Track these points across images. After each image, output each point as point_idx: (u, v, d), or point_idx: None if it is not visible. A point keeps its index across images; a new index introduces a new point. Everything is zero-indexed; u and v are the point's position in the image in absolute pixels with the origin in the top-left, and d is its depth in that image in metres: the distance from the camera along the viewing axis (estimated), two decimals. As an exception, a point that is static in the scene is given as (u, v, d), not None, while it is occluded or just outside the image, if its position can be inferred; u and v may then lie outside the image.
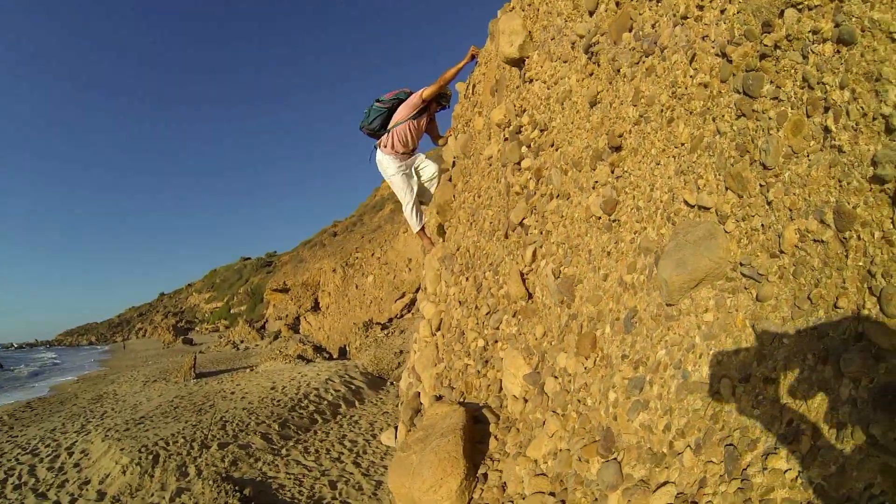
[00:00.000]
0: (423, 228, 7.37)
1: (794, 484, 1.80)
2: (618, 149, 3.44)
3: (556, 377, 3.62)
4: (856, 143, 1.85)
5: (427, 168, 7.30)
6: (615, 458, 2.78)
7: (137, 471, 9.93)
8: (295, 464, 10.43)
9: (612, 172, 3.48)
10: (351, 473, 9.92)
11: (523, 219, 4.60)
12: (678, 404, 2.47)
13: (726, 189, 2.47)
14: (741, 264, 2.31)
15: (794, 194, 2.08)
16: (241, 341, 37.09)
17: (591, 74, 3.87)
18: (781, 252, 2.11)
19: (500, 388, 4.41)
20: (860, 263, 1.79)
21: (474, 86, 6.69)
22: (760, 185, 2.26)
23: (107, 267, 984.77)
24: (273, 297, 42.09)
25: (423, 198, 7.49)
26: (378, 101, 6.97)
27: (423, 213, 7.38)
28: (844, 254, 1.85)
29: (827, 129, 1.96)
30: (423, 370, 5.86)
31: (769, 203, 2.21)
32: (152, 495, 9.27)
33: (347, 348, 23.43)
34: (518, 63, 5.08)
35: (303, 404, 13.33)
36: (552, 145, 4.37)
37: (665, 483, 2.38)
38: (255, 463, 10.50)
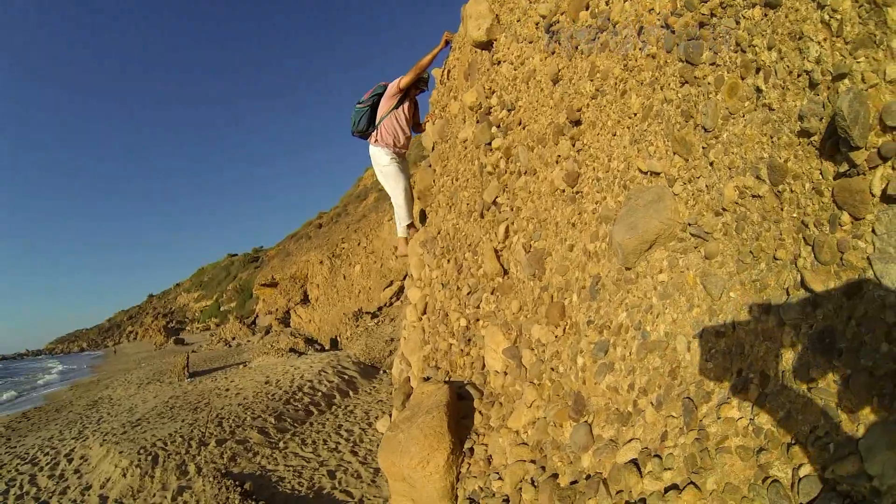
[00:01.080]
0: (411, 224, 7.41)
1: (747, 431, 1.89)
2: (577, 123, 3.55)
3: (531, 349, 3.71)
4: (784, 101, 1.94)
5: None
6: (586, 421, 2.87)
7: (137, 472, 9.93)
8: (293, 456, 10.45)
9: (574, 146, 3.58)
10: (349, 462, 9.95)
11: (496, 197, 4.68)
12: (640, 364, 2.57)
13: (674, 154, 2.57)
14: (689, 224, 2.41)
15: (733, 153, 2.18)
16: (233, 338, 36.87)
17: (552, 53, 3.94)
18: (724, 210, 2.22)
19: (483, 365, 4.48)
20: (794, 215, 1.88)
21: (449, 71, 6.72)
22: (703, 148, 2.37)
23: (93, 272, 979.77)
24: (262, 292, 41.77)
25: None
26: (359, 102, 7.12)
27: (412, 210, 7.44)
28: (780, 207, 1.94)
29: (759, 90, 2.06)
30: (411, 354, 5.93)
31: (711, 164, 2.31)
32: (154, 496, 9.29)
33: (339, 339, 23.42)
34: (487, 46, 5.15)
35: (297, 397, 13.40)
36: (519, 124, 4.45)
37: (630, 440, 2.48)
38: (254, 457, 10.50)
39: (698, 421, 2.10)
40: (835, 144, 1.72)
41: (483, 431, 3.96)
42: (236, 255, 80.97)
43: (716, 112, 2.29)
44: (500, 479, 3.41)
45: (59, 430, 14.52)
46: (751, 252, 2.06)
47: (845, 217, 1.68)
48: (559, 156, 3.73)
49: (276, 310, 36.36)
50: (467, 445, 3.96)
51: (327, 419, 12.39)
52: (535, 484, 3.05)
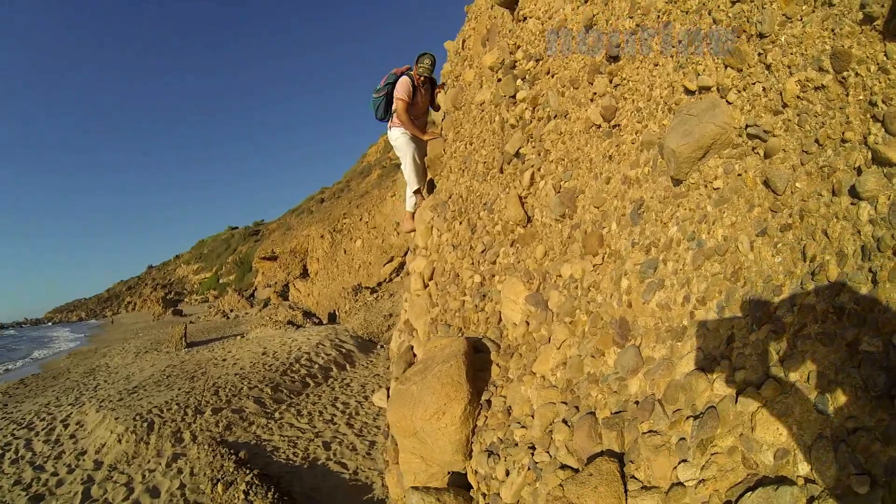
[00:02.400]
0: (418, 190, 7.64)
1: (827, 315, 1.85)
2: (615, 59, 3.51)
3: (559, 290, 3.66)
4: None
5: None
6: (633, 344, 2.81)
7: (133, 438, 9.97)
8: (288, 426, 10.53)
9: (611, 82, 3.55)
10: (344, 434, 10.00)
11: (519, 148, 4.66)
12: (695, 273, 2.54)
13: (726, 67, 2.57)
14: (747, 126, 2.40)
15: (792, 53, 2.20)
16: (231, 310, 37.21)
17: (586, 2, 3.93)
18: (785, 106, 2.22)
19: (500, 320, 4.41)
20: (860, 97, 1.91)
21: (464, 41, 6.77)
22: (759, 54, 2.37)
23: (93, 242, 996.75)
24: (261, 265, 42.13)
25: None
26: (375, 91, 7.54)
27: (424, 177, 7.68)
28: (845, 93, 1.97)
29: None
30: (417, 318, 5.85)
31: (768, 67, 2.32)
32: (149, 462, 9.32)
33: (337, 313, 23.56)
34: (510, 5, 5.14)
35: (294, 368, 13.43)
36: (548, 73, 4.44)
37: (689, 352, 2.43)
38: (249, 427, 10.57)
39: (770, 315, 2.07)
40: (900, 22, 1.77)
41: (501, 383, 3.86)
42: (237, 228, 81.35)
43: (772, 19, 2.29)
44: (522, 427, 3.33)
45: (55, 397, 14.57)
46: (816, 141, 2.06)
47: (915, 88, 1.73)
48: (595, 93, 3.70)
49: (275, 283, 36.57)
50: (484, 397, 3.87)
51: (323, 391, 12.48)
52: (569, 424, 2.96)
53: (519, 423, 3.38)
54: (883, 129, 1.80)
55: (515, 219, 4.43)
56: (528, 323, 3.92)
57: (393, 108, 7.40)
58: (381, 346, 16.25)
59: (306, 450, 9.29)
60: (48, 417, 12.44)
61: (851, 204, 1.87)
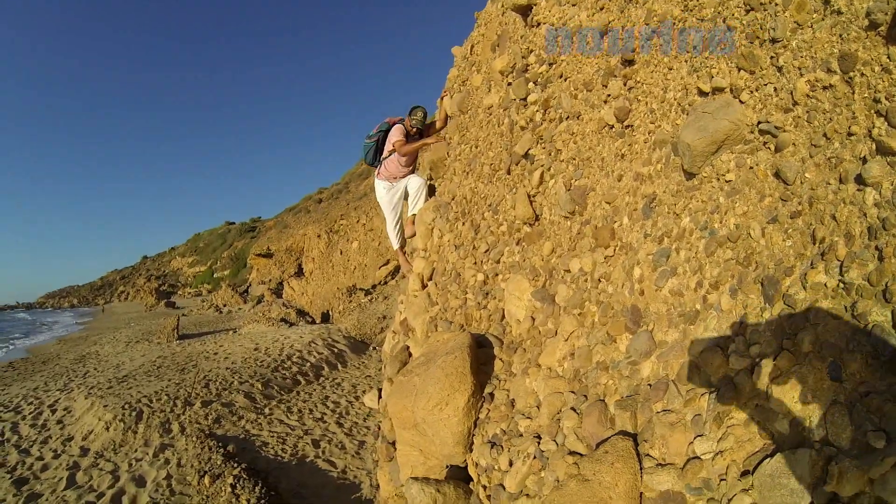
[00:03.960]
0: (402, 247, 8.20)
1: (836, 291, 2.01)
2: (630, 62, 3.63)
3: (567, 284, 3.76)
4: (851, 4, 2.18)
5: (412, 181, 7.92)
6: (646, 329, 2.93)
7: (121, 427, 9.94)
8: (278, 423, 10.52)
9: (625, 85, 3.68)
10: (334, 433, 10.00)
11: (529, 149, 4.73)
12: (708, 259, 2.69)
13: (739, 70, 2.73)
14: (758, 123, 2.57)
15: (802, 56, 2.38)
16: (224, 305, 37.17)
17: (601, 9, 4.01)
18: (795, 104, 2.40)
19: (503, 317, 4.47)
20: (865, 95, 2.10)
21: (473, 46, 6.83)
22: (771, 58, 2.55)
23: (88, 230, 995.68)
24: (257, 261, 42.03)
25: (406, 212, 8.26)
26: (367, 137, 7.94)
27: (403, 235, 8.20)
28: (851, 91, 2.16)
29: (826, 1, 2.28)
30: (415, 317, 5.88)
31: (780, 69, 2.50)
32: (136, 451, 9.29)
33: (330, 313, 23.51)
34: (524, 11, 5.18)
35: (286, 365, 13.43)
36: (561, 76, 4.52)
37: (704, 332, 2.56)
38: (239, 421, 10.55)
39: (782, 294, 2.21)
40: (902, 28, 1.95)
41: (504, 377, 3.92)
42: (234, 223, 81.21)
43: (784, 25, 2.46)
44: (527, 418, 3.40)
45: (44, 382, 14.46)
46: (824, 135, 2.24)
47: (914, 85, 1.91)
48: (609, 95, 3.81)
49: (270, 280, 36.48)
50: (487, 391, 3.91)
51: (314, 389, 12.47)
52: (578, 411, 3.03)
53: (523, 414, 3.46)
54: (886, 123, 2.00)
55: (524, 217, 4.51)
56: (533, 318, 4.00)
57: (383, 155, 7.82)
58: (374, 348, 16.25)
59: (295, 446, 9.31)
60: (36, 402, 12.37)
61: (858, 190, 2.05)
